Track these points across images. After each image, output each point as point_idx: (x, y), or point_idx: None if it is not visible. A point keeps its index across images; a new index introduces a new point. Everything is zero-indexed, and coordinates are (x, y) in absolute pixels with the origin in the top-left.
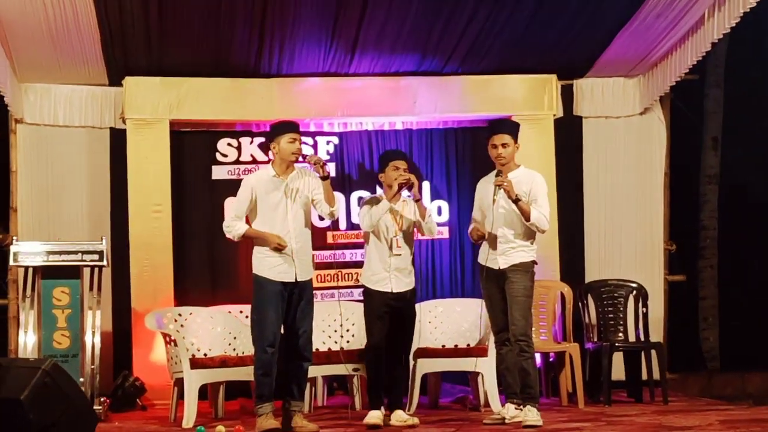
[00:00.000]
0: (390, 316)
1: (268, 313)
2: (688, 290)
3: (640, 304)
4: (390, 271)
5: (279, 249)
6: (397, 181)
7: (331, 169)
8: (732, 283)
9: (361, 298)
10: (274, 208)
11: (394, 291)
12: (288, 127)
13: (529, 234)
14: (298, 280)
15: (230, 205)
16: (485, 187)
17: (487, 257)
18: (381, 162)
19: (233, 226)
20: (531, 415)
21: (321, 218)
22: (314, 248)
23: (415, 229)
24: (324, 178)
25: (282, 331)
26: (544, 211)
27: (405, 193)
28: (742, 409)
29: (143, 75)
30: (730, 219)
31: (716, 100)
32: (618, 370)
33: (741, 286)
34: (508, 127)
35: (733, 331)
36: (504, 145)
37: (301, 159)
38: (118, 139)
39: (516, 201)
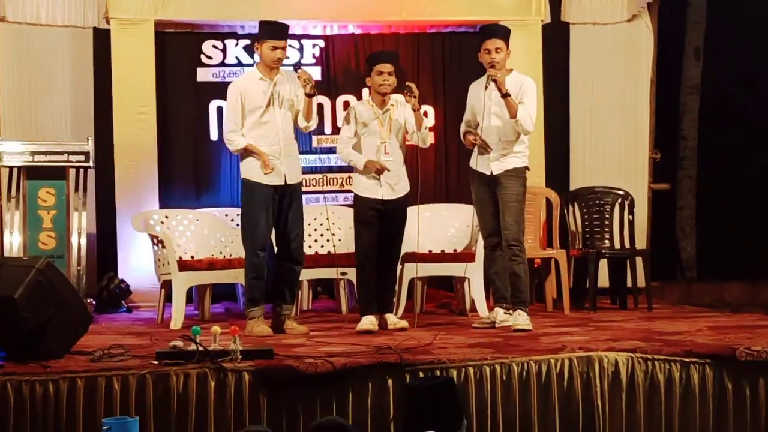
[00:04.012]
0: (379, 221)
1: (259, 216)
2: (672, 199)
3: (626, 212)
4: (380, 178)
5: (267, 171)
6: (381, 87)
7: (317, 73)
8: (710, 194)
9: (348, 202)
10: (262, 111)
11: (384, 198)
12: (272, 32)
13: (521, 140)
14: (288, 182)
15: (226, 116)
16: (477, 91)
17: (478, 162)
18: (367, 64)
19: (234, 140)
20: (521, 319)
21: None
22: (300, 153)
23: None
24: (309, 95)
25: (273, 234)
26: (531, 112)
27: (395, 96)
28: (727, 316)
29: None
30: (709, 130)
31: (699, 10)
32: (602, 277)
33: (719, 197)
34: (501, 32)
35: (710, 241)
36: (497, 50)
37: (291, 68)
38: (101, 40)
39: (505, 96)
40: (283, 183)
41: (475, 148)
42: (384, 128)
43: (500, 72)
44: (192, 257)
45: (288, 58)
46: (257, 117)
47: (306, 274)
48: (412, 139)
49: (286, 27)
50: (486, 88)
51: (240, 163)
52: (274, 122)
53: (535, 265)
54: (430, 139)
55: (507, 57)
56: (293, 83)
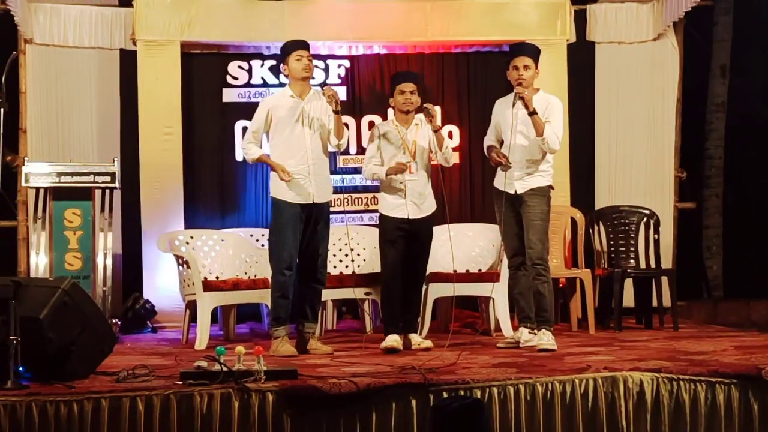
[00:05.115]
0: (405, 240)
1: (286, 235)
2: (698, 218)
3: (651, 231)
4: (405, 198)
5: (283, 178)
6: (403, 105)
7: (342, 93)
8: (737, 213)
9: (372, 222)
10: (293, 130)
11: (410, 218)
12: (294, 45)
13: (546, 159)
14: (316, 202)
15: (249, 126)
16: (503, 109)
17: (503, 182)
18: (390, 84)
19: (249, 149)
20: (546, 338)
21: None
22: None
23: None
24: (335, 112)
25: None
26: (557, 131)
27: (419, 115)
28: (753, 336)
29: None
30: (736, 148)
31: (725, 28)
32: (627, 296)
33: (746, 216)
34: (531, 50)
35: (737, 260)
36: (525, 67)
37: (318, 86)
38: (128, 61)
39: (532, 113)
40: (311, 202)
41: (499, 168)
42: (408, 148)
43: (527, 90)
44: (217, 278)
45: (314, 78)
46: (285, 134)
47: (331, 294)
48: (436, 158)
49: (305, 42)
50: (513, 105)
51: (269, 183)
52: (303, 141)
53: (560, 285)
54: (454, 158)
55: (535, 76)
56: (323, 102)
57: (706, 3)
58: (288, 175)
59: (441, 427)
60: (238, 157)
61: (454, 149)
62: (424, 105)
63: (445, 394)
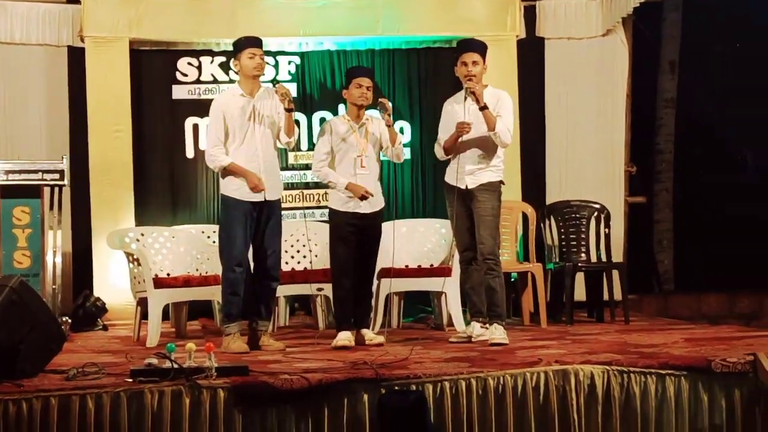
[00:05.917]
0: (355, 236)
1: (237, 232)
2: (648, 212)
3: (602, 225)
4: None
5: (255, 190)
6: (359, 99)
7: (293, 89)
8: (686, 207)
9: (324, 218)
10: (243, 127)
11: (360, 212)
12: (247, 42)
13: (497, 154)
14: (267, 199)
15: (208, 132)
16: (453, 107)
17: (455, 177)
18: (346, 77)
19: (216, 157)
20: (498, 332)
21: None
22: None
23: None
24: (288, 110)
25: (250, 250)
26: (509, 125)
27: (369, 111)
28: (704, 328)
29: None
30: (685, 144)
31: (674, 25)
32: (578, 290)
33: (695, 210)
34: (478, 46)
35: (687, 253)
36: (474, 63)
37: (271, 85)
38: (76, 58)
39: (483, 108)
40: (262, 199)
41: (451, 164)
42: (360, 142)
43: (477, 85)
44: (168, 274)
45: (264, 75)
46: (237, 133)
47: (283, 290)
48: (387, 154)
49: (258, 39)
50: (465, 100)
51: (220, 180)
52: (254, 139)
53: (511, 280)
54: (404, 154)
55: (483, 71)
56: (274, 100)
57: None
58: (261, 186)
59: (387, 421)
60: (189, 154)
61: (404, 145)
62: (380, 99)
63: (396, 388)
